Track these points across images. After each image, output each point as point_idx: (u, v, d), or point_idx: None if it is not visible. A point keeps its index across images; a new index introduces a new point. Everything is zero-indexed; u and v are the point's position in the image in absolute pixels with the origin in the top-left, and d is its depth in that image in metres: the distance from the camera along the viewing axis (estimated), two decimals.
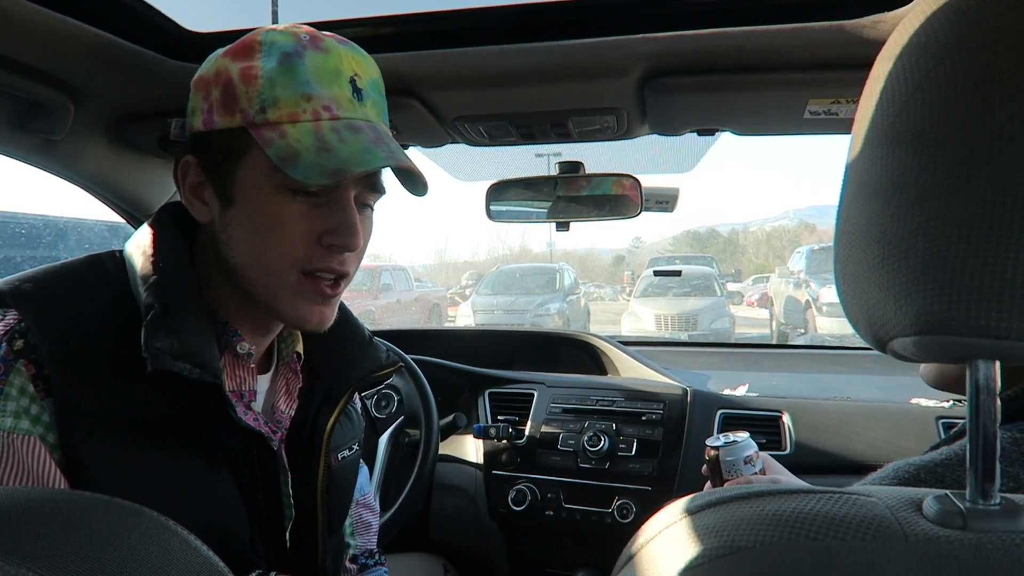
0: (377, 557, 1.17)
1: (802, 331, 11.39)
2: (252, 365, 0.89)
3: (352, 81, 0.80)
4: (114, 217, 1.56)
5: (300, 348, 0.97)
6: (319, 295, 0.82)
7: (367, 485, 1.21)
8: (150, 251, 0.82)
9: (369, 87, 0.82)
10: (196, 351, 0.77)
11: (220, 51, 0.81)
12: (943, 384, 0.81)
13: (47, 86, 1.10)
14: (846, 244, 0.46)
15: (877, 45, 0.50)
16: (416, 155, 1.54)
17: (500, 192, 1.66)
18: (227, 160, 0.80)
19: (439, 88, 1.20)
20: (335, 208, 0.80)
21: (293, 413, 0.94)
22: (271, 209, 0.79)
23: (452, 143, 1.44)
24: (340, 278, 0.84)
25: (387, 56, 1.09)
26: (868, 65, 0.49)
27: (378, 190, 0.86)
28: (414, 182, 0.84)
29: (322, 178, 0.73)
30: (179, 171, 0.84)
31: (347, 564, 1.12)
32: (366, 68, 0.82)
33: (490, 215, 1.68)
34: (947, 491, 0.42)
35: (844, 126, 1.22)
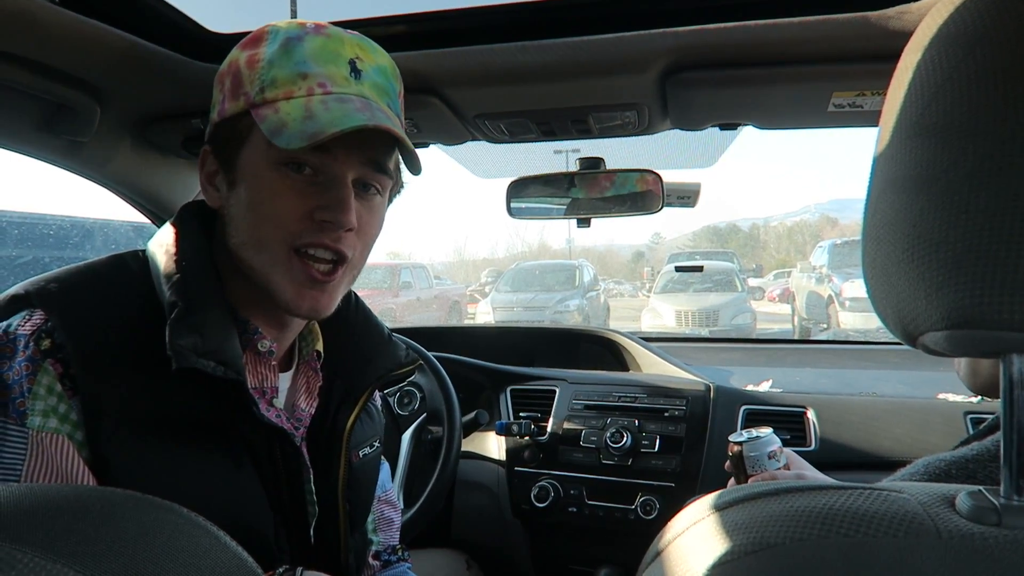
0: (400, 553, 1.17)
1: (824, 326, 11.28)
2: (274, 363, 0.90)
3: (352, 63, 0.81)
4: (139, 217, 1.58)
5: (320, 347, 0.98)
6: (310, 279, 0.82)
7: (389, 482, 1.21)
8: (172, 250, 0.83)
9: (372, 71, 0.82)
10: (219, 348, 0.78)
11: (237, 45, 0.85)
12: (984, 388, 0.79)
13: (74, 89, 1.11)
14: (874, 238, 0.46)
15: (903, 36, 0.50)
16: (437, 153, 1.55)
17: (520, 189, 1.65)
18: (233, 144, 0.82)
19: (459, 86, 1.20)
20: (329, 185, 0.80)
21: (313, 411, 0.95)
22: (266, 184, 0.80)
23: (472, 140, 1.44)
24: (336, 262, 0.82)
25: (407, 55, 1.09)
26: (893, 57, 0.48)
27: (383, 171, 0.85)
28: (407, 156, 0.84)
29: (301, 141, 0.74)
30: (199, 163, 0.87)
31: (370, 560, 1.12)
32: (371, 55, 0.83)
33: (511, 212, 1.68)
34: (981, 487, 0.42)
35: (869, 119, 1.20)
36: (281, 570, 0.82)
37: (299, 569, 0.82)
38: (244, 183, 0.82)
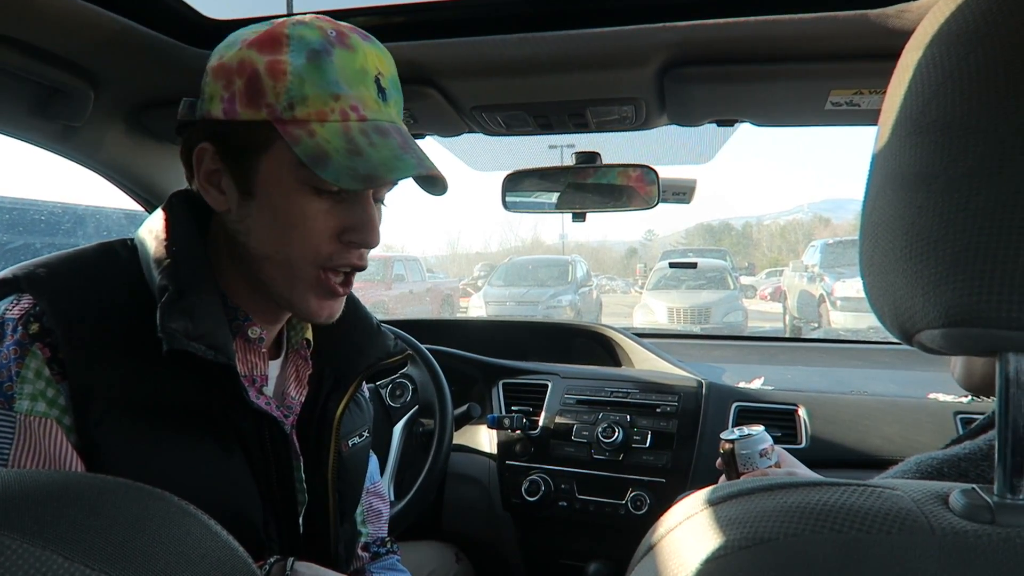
0: (389, 545, 1.17)
1: (815, 325, 11.33)
2: (263, 350, 0.90)
3: (377, 80, 0.80)
4: (132, 205, 1.57)
5: (309, 335, 0.98)
6: (332, 293, 0.84)
7: (377, 474, 1.21)
8: (163, 236, 0.82)
9: (391, 85, 0.83)
10: (210, 333, 0.78)
11: (240, 39, 0.80)
12: (979, 388, 0.79)
13: (67, 72, 1.10)
14: (872, 235, 0.46)
15: (902, 35, 0.50)
16: (432, 144, 1.54)
17: (516, 182, 1.65)
18: (249, 152, 0.79)
19: (457, 77, 1.19)
20: (355, 206, 0.81)
21: (303, 399, 0.95)
22: (294, 206, 0.79)
23: (469, 132, 1.44)
24: (354, 270, 0.85)
25: (405, 45, 1.08)
26: (892, 55, 0.48)
27: (392, 184, 0.86)
28: (434, 184, 0.85)
29: (355, 183, 0.75)
30: (194, 157, 0.83)
31: (359, 552, 1.12)
32: (387, 65, 0.83)
33: (506, 205, 1.68)
34: (974, 485, 0.42)
35: (866, 117, 1.20)
36: (272, 560, 0.82)
37: (290, 560, 0.82)
38: (267, 197, 0.80)
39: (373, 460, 1.18)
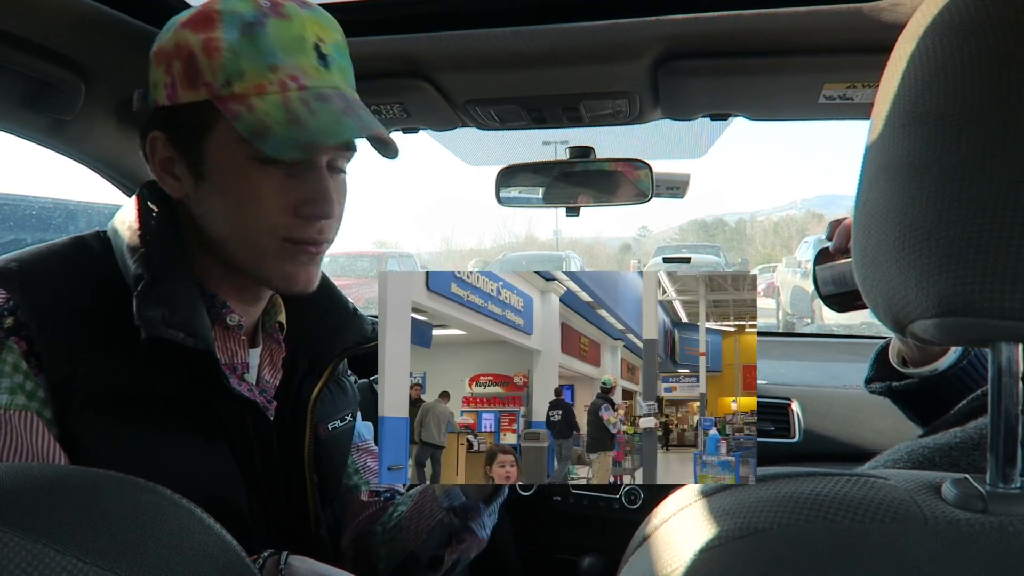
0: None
1: (809, 321, 11.36)
2: (243, 337, 0.90)
3: (316, 47, 0.79)
4: (123, 200, 1.56)
5: (282, 318, 0.98)
6: (304, 255, 0.84)
7: (367, 432, 1.16)
8: (135, 225, 0.82)
9: (334, 51, 0.82)
10: (188, 320, 0.78)
11: (178, 20, 0.80)
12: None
13: (58, 65, 1.09)
14: (865, 226, 0.46)
15: (895, 28, 0.50)
16: (427, 139, 1.54)
17: (510, 177, 1.65)
18: (195, 135, 0.79)
19: (451, 70, 1.19)
20: (308, 177, 0.81)
21: (277, 383, 0.95)
22: (245, 182, 0.79)
23: (463, 127, 1.43)
24: (320, 243, 0.85)
25: (399, 38, 1.08)
26: (885, 49, 0.48)
27: (350, 148, 0.86)
28: (385, 147, 0.84)
29: (296, 152, 0.75)
30: (147, 147, 0.83)
31: (365, 499, 1.09)
32: (330, 32, 0.82)
33: (500, 200, 1.67)
34: (967, 475, 0.42)
35: (859, 111, 1.21)
36: (266, 554, 0.82)
37: (284, 554, 0.82)
38: (217, 178, 0.80)
39: (366, 425, 1.15)
